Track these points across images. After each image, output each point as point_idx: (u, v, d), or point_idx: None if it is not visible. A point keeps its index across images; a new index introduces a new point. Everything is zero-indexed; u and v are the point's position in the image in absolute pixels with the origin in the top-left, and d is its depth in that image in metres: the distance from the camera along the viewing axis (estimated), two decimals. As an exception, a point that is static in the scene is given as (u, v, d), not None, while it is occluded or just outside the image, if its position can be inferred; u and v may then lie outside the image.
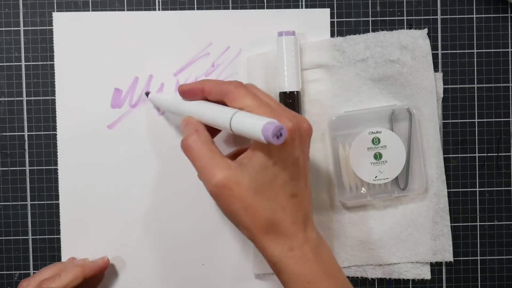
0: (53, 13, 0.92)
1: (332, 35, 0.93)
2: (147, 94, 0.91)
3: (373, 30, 0.93)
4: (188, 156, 0.75)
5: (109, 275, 0.93)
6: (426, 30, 0.92)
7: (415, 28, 0.92)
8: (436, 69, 0.92)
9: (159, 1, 0.92)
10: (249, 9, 0.92)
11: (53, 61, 0.92)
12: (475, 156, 0.93)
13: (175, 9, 0.92)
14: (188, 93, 0.81)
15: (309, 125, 0.76)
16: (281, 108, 0.76)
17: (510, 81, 0.93)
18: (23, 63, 0.92)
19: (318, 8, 0.92)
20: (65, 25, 0.92)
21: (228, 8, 0.92)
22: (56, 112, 0.92)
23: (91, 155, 0.92)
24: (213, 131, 0.79)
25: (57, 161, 0.92)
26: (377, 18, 0.93)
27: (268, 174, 0.72)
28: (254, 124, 0.69)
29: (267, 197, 0.73)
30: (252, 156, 0.73)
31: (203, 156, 0.73)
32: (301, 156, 0.75)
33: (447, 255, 0.93)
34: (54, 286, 0.84)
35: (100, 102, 0.92)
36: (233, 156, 0.79)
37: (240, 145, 0.91)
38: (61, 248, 0.93)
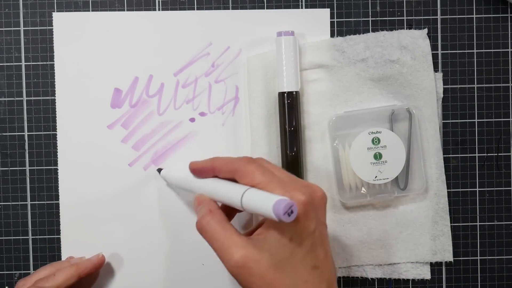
0: (53, 13, 0.92)
1: (332, 35, 0.93)
2: (159, 170, 0.91)
3: (373, 30, 0.93)
4: (205, 237, 0.73)
5: (109, 275, 0.93)
6: (426, 30, 0.92)
7: (415, 28, 0.92)
8: (436, 69, 0.92)
9: (159, 1, 0.92)
10: (249, 9, 0.92)
11: (53, 61, 0.92)
12: (475, 156, 0.93)
13: (175, 9, 0.92)
14: (199, 171, 0.80)
15: (322, 194, 0.74)
16: (292, 180, 0.74)
17: (510, 81, 0.93)
18: (23, 63, 0.92)
19: (318, 8, 0.93)
20: (65, 25, 0.92)
21: (228, 8, 0.92)
22: (56, 112, 0.92)
23: (91, 155, 0.92)
24: (231, 210, 0.80)
25: (57, 161, 0.92)
26: (377, 18, 0.93)
27: (286, 250, 0.71)
28: (264, 202, 0.68)
29: (288, 272, 0.71)
30: (267, 233, 0.72)
31: (219, 236, 0.71)
32: (318, 226, 0.72)
33: (447, 255, 0.93)
34: (48, 286, 0.84)
35: (100, 102, 0.92)
36: (253, 233, 0.78)
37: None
38: (61, 248, 0.93)
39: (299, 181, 0.74)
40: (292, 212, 0.66)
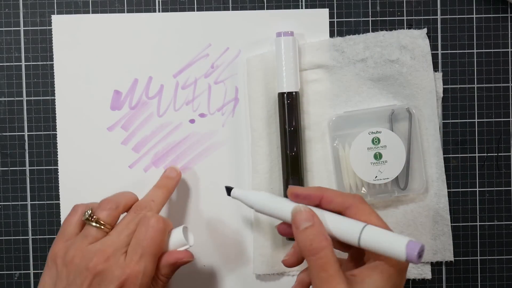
0: (52, 15, 0.92)
1: (332, 35, 0.93)
2: (228, 190, 0.83)
3: (373, 30, 0.93)
4: (312, 260, 0.70)
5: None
6: (425, 30, 0.92)
7: (415, 28, 0.92)
8: (436, 69, 0.92)
9: (159, 2, 0.92)
10: (249, 9, 0.92)
11: (53, 61, 0.92)
12: (475, 156, 0.93)
13: (175, 9, 0.92)
14: (302, 197, 0.76)
15: None
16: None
17: (510, 81, 0.93)
18: (23, 63, 0.92)
19: (318, 8, 0.92)
20: (64, 27, 0.92)
21: (228, 9, 0.92)
22: (56, 113, 0.92)
23: (91, 157, 0.92)
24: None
25: (57, 161, 0.92)
26: (377, 18, 0.93)
27: None
28: (392, 241, 0.67)
29: None
30: (369, 276, 0.70)
31: (331, 267, 0.69)
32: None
33: (448, 255, 0.93)
34: (153, 214, 0.81)
35: (99, 104, 0.92)
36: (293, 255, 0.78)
37: None
38: (62, 248, 0.93)
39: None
40: (421, 256, 0.66)
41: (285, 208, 0.76)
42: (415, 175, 0.91)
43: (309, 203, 0.75)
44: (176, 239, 0.82)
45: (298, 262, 0.78)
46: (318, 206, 0.75)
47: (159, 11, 0.92)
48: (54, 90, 0.92)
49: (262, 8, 0.92)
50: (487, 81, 0.93)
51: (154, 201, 0.84)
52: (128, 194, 0.85)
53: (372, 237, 0.69)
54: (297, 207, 0.73)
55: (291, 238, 0.81)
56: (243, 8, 0.92)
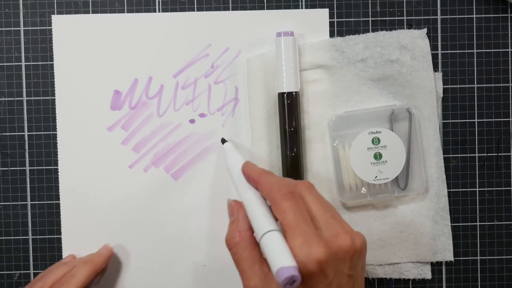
0: (52, 15, 0.92)
1: (332, 35, 0.93)
2: (223, 141, 0.89)
3: (373, 30, 0.93)
4: (231, 255, 0.74)
5: (109, 277, 0.93)
6: (425, 30, 0.92)
7: (415, 28, 0.92)
8: (436, 69, 0.92)
9: (159, 2, 0.92)
10: (249, 9, 0.92)
11: (53, 61, 0.92)
12: (475, 156, 0.93)
13: (175, 9, 0.92)
14: (246, 176, 0.78)
15: (350, 244, 0.70)
16: (325, 224, 0.71)
17: (510, 81, 0.93)
18: (23, 63, 0.92)
19: (318, 8, 0.92)
20: (64, 28, 0.92)
21: (228, 9, 0.92)
22: (56, 113, 0.92)
23: (91, 156, 0.92)
24: None
25: (57, 161, 0.92)
26: (377, 18, 0.93)
27: None
28: (274, 258, 0.67)
29: None
30: None
31: (243, 262, 0.72)
32: (336, 278, 0.69)
33: (448, 255, 0.93)
34: None
35: (99, 104, 0.92)
36: None
37: None
38: (62, 248, 0.93)
39: (330, 226, 0.71)
40: (294, 281, 0.66)
41: (238, 188, 0.79)
42: (415, 175, 0.91)
43: (251, 184, 0.78)
44: None
45: None
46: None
47: (159, 11, 0.92)
48: (54, 90, 0.92)
49: (262, 8, 0.92)
50: (487, 81, 0.93)
51: (74, 277, 0.85)
52: (62, 268, 0.87)
53: (266, 245, 0.69)
54: (228, 200, 0.78)
55: None
56: (243, 8, 0.92)
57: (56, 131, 0.92)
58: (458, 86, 0.93)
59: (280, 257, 0.67)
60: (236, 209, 0.76)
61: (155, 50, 0.92)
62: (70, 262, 0.89)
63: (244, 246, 0.73)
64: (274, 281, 0.69)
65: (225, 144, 0.88)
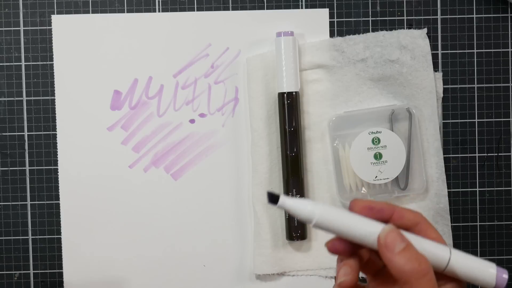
0: (52, 15, 0.92)
1: (332, 35, 0.93)
2: (273, 198, 0.63)
3: (373, 30, 0.93)
4: (421, 283, 0.62)
5: (109, 275, 0.93)
6: (425, 30, 0.92)
7: (415, 28, 0.92)
8: (436, 69, 0.92)
9: (159, 2, 0.92)
10: (249, 9, 0.92)
11: (53, 61, 0.92)
12: (475, 156, 0.93)
13: (175, 9, 0.92)
14: (376, 211, 0.65)
15: None
16: None
17: (510, 81, 0.93)
18: (23, 63, 0.92)
19: (318, 8, 0.92)
20: (64, 28, 0.92)
21: (228, 9, 0.92)
22: (56, 113, 0.92)
23: (91, 156, 0.92)
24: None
25: (57, 161, 0.92)
26: (377, 18, 0.93)
27: None
28: (482, 267, 0.64)
29: None
30: None
31: None
32: None
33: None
34: None
35: (99, 104, 0.92)
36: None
37: None
38: (62, 248, 0.93)
39: None
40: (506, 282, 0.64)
41: (358, 225, 0.64)
42: (415, 175, 0.91)
43: (380, 218, 0.65)
44: None
45: (346, 251, 0.66)
46: (388, 221, 0.66)
47: (159, 11, 0.92)
48: (54, 90, 0.92)
49: (262, 8, 0.92)
50: (487, 81, 0.93)
51: None
52: None
53: (460, 262, 0.64)
54: (388, 227, 0.63)
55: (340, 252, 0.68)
56: (243, 8, 0.92)
57: (56, 131, 0.92)
58: (458, 86, 0.93)
59: (484, 262, 0.64)
60: (403, 235, 0.63)
61: (155, 50, 0.92)
62: None
63: (433, 275, 0.63)
64: None
65: (281, 199, 0.63)
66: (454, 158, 0.93)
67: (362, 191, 0.91)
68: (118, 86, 0.92)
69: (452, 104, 0.93)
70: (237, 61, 0.92)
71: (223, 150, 0.93)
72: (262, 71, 0.91)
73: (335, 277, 0.68)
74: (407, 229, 0.65)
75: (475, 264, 0.64)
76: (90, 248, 0.92)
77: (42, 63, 0.92)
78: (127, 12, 0.92)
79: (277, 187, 0.91)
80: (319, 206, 0.63)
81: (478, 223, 0.94)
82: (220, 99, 0.92)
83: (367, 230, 0.63)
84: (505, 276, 0.63)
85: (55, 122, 0.92)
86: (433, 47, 0.92)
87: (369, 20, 0.93)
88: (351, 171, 0.90)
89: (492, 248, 0.94)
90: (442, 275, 0.64)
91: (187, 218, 0.93)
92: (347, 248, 0.65)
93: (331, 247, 0.66)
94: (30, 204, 0.93)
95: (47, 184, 0.93)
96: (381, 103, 0.92)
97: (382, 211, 0.65)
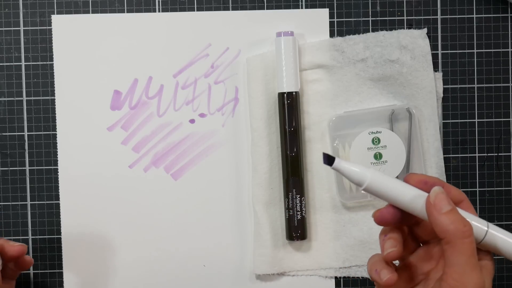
0: (52, 15, 0.92)
1: (332, 35, 0.93)
2: (329, 159, 0.67)
3: (373, 30, 0.93)
4: (459, 244, 0.65)
5: (109, 276, 0.93)
6: (425, 30, 0.92)
7: (415, 28, 0.92)
8: (436, 69, 0.92)
9: (159, 2, 0.92)
10: (249, 9, 0.92)
11: (53, 61, 0.92)
12: (475, 156, 0.93)
13: (175, 9, 0.92)
14: (430, 185, 0.68)
15: None
16: None
17: (510, 81, 0.93)
18: (23, 63, 0.92)
19: (318, 8, 0.92)
20: (64, 27, 0.92)
21: (228, 9, 0.92)
22: (56, 113, 0.92)
23: (91, 156, 0.92)
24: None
25: (57, 161, 0.92)
26: (377, 18, 0.93)
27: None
28: None
29: None
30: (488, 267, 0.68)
31: (474, 254, 0.65)
32: None
33: (448, 255, 0.93)
34: None
35: (99, 104, 0.92)
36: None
37: None
38: (62, 248, 0.93)
39: None
40: None
41: (407, 190, 0.67)
42: (415, 175, 0.91)
43: (424, 190, 0.69)
44: None
45: (393, 220, 0.70)
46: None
47: (159, 11, 0.92)
48: (54, 90, 0.92)
49: (262, 8, 0.92)
50: (487, 81, 0.93)
51: None
52: None
53: (497, 237, 0.67)
54: (438, 188, 0.66)
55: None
56: (243, 8, 0.92)
57: (56, 131, 0.92)
58: (458, 86, 0.93)
59: None
60: (449, 199, 0.66)
61: (155, 50, 0.92)
62: None
63: (474, 239, 0.66)
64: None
65: (336, 161, 0.67)
66: (454, 158, 0.93)
67: (362, 191, 0.91)
68: (118, 86, 0.92)
69: (452, 104, 0.93)
70: (237, 61, 0.92)
71: (223, 150, 0.93)
72: (262, 71, 0.91)
73: (380, 249, 0.71)
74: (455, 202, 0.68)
75: (511, 240, 0.67)
76: (90, 248, 0.92)
77: (42, 63, 0.92)
78: (127, 12, 0.92)
79: (277, 187, 0.91)
80: (371, 171, 0.67)
81: (478, 223, 0.94)
82: (220, 99, 0.92)
83: (416, 194, 0.67)
84: None
85: (55, 122, 0.92)
86: (433, 47, 0.92)
87: (369, 20, 0.93)
88: (351, 171, 0.90)
89: (492, 248, 0.94)
90: (477, 250, 0.66)
91: (187, 218, 0.93)
92: (394, 218, 0.69)
93: (379, 216, 0.70)
94: (30, 204, 0.93)
95: (47, 184, 0.93)
96: (381, 103, 0.92)
97: (435, 185, 0.68)
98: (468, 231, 0.64)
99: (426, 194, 0.67)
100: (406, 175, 0.70)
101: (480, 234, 0.67)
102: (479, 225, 0.67)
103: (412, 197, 0.67)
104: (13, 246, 0.82)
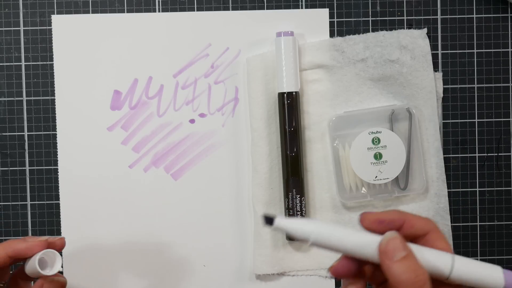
0: (52, 15, 0.92)
1: (332, 35, 0.93)
2: (268, 220, 0.62)
3: (373, 30, 0.93)
4: None
5: (109, 276, 0.93)
6: (425, 30, 0.92)
7: (415, 28, 0.92)
8: (436, 69, 0.92)
9: (159, 2, 0.92)
10: (249, 9, 0.92)
11: (53, 61, 0.92)
12: (475, 156, 0.93)
13: (175, 9, 0.92)
14: (387, 223, 0.64)
15: None
16: None
17: (510, 81, 0.93)
18: (23, 63, 0.92)
19: (318, 8, 0.92)
20: (64, 27, 0.92)
21: (228, 9, 0.92)
22: (56, 113, 0.92)
23: (91, 156, 0.92)
24: None
25: (57, 161, 0.92)
26: (377, 18, 0.93)
27: None
28: (488, 271, 0.62)
29: None
30: None
31: None
32: None
33: (448, 255, 0.92)
34: None
35: (99, 104, 0.92)
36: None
37: None
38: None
39: None
40: None
41: (357, 238, 0.63)
42: (415, 175, 0.91)
43: (391, 228, 0.63)
44: (31, 267, 0.76)
45: (350, 272, 0.65)
46: (398, 231, 0.63)
47: (159, 11, 0.92)
48: (54, 90, 0.92)
49: (262, 8, 0.92)
50: (487, 81, 0.93)
51: None
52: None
53: (464, 269, 0.62)
54: (390, 234, 0.62)
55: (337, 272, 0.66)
56: (243, 8, 0.92)
57: (56, 131, 0.92)
58: (458, 86, 0.93)
59: (489, 266, 0.63)
60: (405, 243, 0.61)
61: (155, 50, 0.92)
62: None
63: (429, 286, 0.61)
64: None
65: (276, 220, 0.63)
66: (454, 158, 0.93)
67: (362, 191, 0.91)
68: (118, 86, 0.92)
69: (452, 104, 0.93)
70: (237, 61, 0.92)
71: (223, 150, 0.93)
72: (262, 71, 0.91)
73: None
74: (418, 237, 0.64)
75: (480, 269, 0.63)
76: (90, 248, 0.92)
77: (42, 63, 0.92)
78: (127, 12, 0.92)
79: (277, 187, 0.91)
80: (315, 224, 0.62)
81: (478, 223, 0.94)
82: (220, 99, 0.93)
83: (367, 241, 0.62)
84: None
85: (55, 122, 0.92)
86: (433, 47, 0.92)
87: (369, 20, 0.93)
88: (351, 171, 0.90)
89: (492, 248, 0.94)
90: (447, 284, 0.63)
91: (187, 218, 0.93)
92: (350, 270, 0.64)
93: (334, 272, 0.65)
94: (30, 204, 0.93)
95: (47, 184, 0.93)
96: (381, 103, 0.92)
97: (393, 222, 0.64)
98: (421, 281, 0.60)
99: (378, 239, 0.61)
100: (361, 215, 0.65)
101: (445, 270, 0.62)
102: (443, 263, 0.62)
103: (363, 245, 0.62)
104: (60, 239, 0.79)
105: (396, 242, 0.61)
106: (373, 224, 0.64)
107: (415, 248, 0.62)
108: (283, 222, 0.62)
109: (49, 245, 0.77)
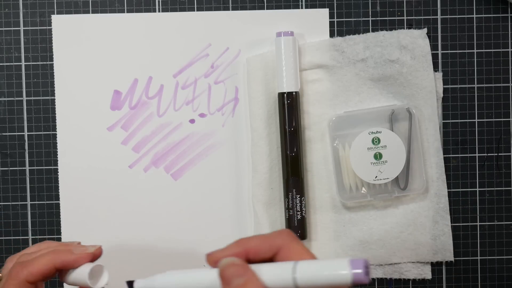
0: (52, 15, 0.92)
1: (332, 35, 0.93)
2: (129, 284, 0.70)
3: (373, 30, 0.93)
4: None
5: (109, 275, 0.93)
6: (425, 30, 0.92)
7: (415, 28, 0.92)
8: (436, 69, 0.92)
9: (159, 2, 0.92)
10: (249, 9, 0.92)
11: (53, 61, 0.92)
12: (475, 156, 0.93)
13: (175, 9, 0.92)
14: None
15: None
16: None
17: (510, 81, 0.93)
18: (23, 63, 0.92)
19: (318, 8, 0.92)
20: (64, 28, 0.92)
21: (228, 9, 0.92)
22: (56, 113, 0.92)
23: (91, 156, 0.92)
24: None
25: (57, 161, 0.92)
26: (377, 18, 0.93)
27: None
28: (333, 266, 0.58)
29: None
30: None
31: None
32: None
33: (448, 255, 0.92)
34: (23, 273, 0.71)
35: (99, 104, 0.92)
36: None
37: None
38: (62, 248, 0.93)
39: None
40: (368, 272, 0.57)
41: (206, 275, 0.63)
42: (415, 175, 0.91)
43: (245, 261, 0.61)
44: (78, 279, 0.74)
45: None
46: (248, 262, 0.61)
47: (159, 11, 0.92)
48: (54, 90, 0.92)
49: (262, 8, 0.92)
50: (487, 81, 0.93)
51: (33, 262, 0.72)
52: (33, 247, 0.75)
53: (308, 272, 0.59)
54: (225, 261, 0.60)
55: None
56: (243, 8, 0.92)
57: (56, 131, 0.92)
58: (458, 86, 0.93)
59: (336, 261, 0.59)
60: (245, 268, 0.59)
61: (155, 50, 0.92)
62: (47, 243, 0.77)
63: None
64: None
65: (135, 283, 0.70)
66: (454, 158, 0.93)
67: (362, 191, 0.91)
68: (118, 86, 0.92)
69: (452, 104, 0.93)
70: (237, 61, 0.92)
71: (223, 150, 0.93)
72: (262, 71, 0.91)
73: None
74: (271, 259, 0.61)
75: (326, 266, 0.59)
76: (90, 248, 0.93)
77: (42, 63, 0.92)
78: (127, 12, 0.92)
79: (277, 187, 0.91)
80: (165, 275, 0.65)
81: (478, 223, 0.94)
82: (220, 99, 0.93)
83: (209, 275, 0.62)
84: (360, 264, 0.57)
85: (55, 122, 0.92)
86: (433, 47, 0.92)
87: (369, 20, 0.93)
88: (351, 171, 0.90)
89: (492, 248, 0.94)
90: None
91: (187, 218, 0.93)
92: None
93: None
94: (30, 204, 0.93)
95: (47, 184, 0.93)
96: (381, 103, 0.92)
97: (236, 256, 0.61)
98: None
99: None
100: (206, 256, 0.64)
101: (289, 280, 0.58)
102: (285, 274, 0.58)
103: (210, 283, 0.61)
104: (98, 250, 0.77)
105: (233, 269, 0.59)
106: (217, 264, 0.62)
107: (255, 268, 0.59)
108: (141, 283, 0.68)
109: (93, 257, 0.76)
